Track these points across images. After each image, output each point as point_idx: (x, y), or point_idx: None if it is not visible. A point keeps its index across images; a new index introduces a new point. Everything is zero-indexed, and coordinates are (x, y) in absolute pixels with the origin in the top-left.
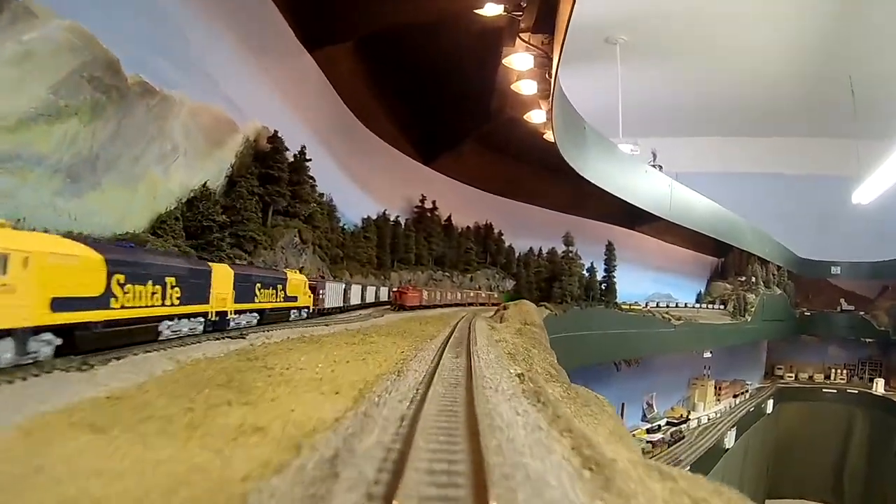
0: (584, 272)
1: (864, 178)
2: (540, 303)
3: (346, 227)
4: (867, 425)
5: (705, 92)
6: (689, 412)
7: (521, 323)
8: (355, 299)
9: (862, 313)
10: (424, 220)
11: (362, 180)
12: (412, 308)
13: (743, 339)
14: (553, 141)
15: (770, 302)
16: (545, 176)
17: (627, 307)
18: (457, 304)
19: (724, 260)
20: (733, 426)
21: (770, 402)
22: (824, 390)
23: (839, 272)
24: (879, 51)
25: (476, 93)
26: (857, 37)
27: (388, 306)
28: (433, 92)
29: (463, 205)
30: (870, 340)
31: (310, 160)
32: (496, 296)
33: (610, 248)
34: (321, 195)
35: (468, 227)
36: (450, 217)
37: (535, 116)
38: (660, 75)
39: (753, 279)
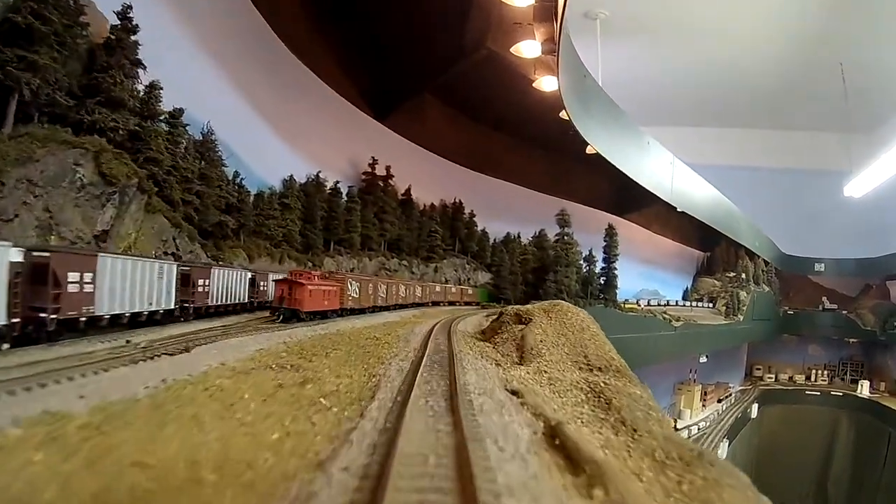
0: (583, 261)
1: (855, 171)
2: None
3: (258, 190)
4: (852, 429)
5: (690, 77)
6: (675, 420)
7: (580, 366)
8: (219, 295)
9: (845, 312)
10: (375, 190)
11: (287, 128)
12: (322, 316)
13: (736, 340)
14: (548, 89)
15: (760, 300)
16: (525, 149)
17: (627, 306)
18: (416, 305)
19: (711, 254)
20: (724, 437)
21: (755, 407)
22: (807, 392)
23: (822, 269)
24: (871, 37)
25: (447, 10)
26: (848, 22)
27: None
28: (389, 14)
29: (426, 176)
30: (854, 340)
31: (136, 29)
32: (470, 292)
33: (611, 233)
34: (177, 114)
35: (432, 205)
36: (409, 191)
37: (527, 49)
38: (642, 57)
39: (744, 275)
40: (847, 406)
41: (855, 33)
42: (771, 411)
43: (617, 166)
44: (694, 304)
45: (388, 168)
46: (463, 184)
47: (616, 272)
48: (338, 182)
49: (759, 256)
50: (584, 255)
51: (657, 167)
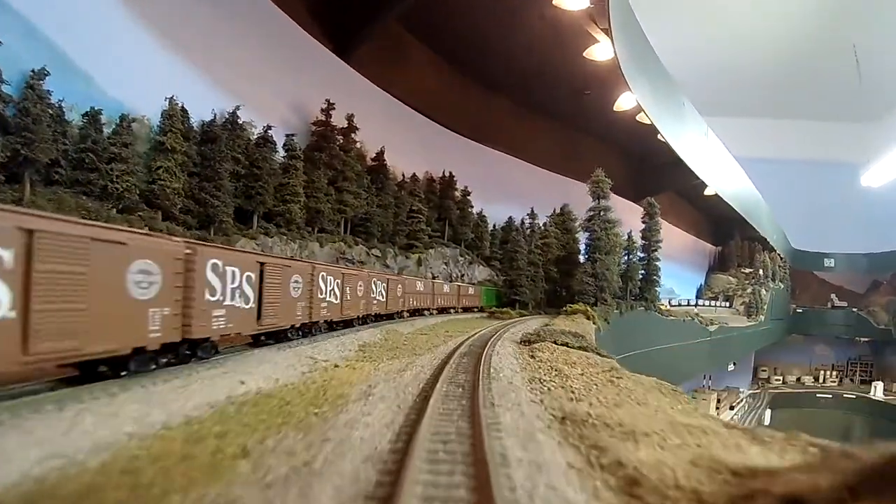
0: (624, 251)
1: (873, 160)
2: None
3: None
4: (867, 435)
5: (700, 58)
6: None
7: None
8: None
9: (855, 310)
10: (330, 147)
11: (187, 42)
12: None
13: (760, 342)
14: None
15: (777, 298)
16: (530, 117)
17: (667, 309)
18: (382, 317)
19: (724, 248)
20: None
21: (768, 413)
22: (818, 395)
23: (832, 265)
24: (883, 19)
25: None
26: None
27: None
28: None
29: (407, 139)
30: (864, 340)
31: None
32: (471, 292)
33: (651, 211)
34: None
35: (414, 178)
36: (382, 154)
37: None
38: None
39: (761, 271)
40: (862, 410)
41: (867, 14)
42: (782, 416)
43: (655, 123)
44: (710, 303)
45: (349, 118)
46: (455, 153)
47: (658, 264)
48: (269, 128)
49: (774, 251)
50: (624, 236)
51: (692, 136)
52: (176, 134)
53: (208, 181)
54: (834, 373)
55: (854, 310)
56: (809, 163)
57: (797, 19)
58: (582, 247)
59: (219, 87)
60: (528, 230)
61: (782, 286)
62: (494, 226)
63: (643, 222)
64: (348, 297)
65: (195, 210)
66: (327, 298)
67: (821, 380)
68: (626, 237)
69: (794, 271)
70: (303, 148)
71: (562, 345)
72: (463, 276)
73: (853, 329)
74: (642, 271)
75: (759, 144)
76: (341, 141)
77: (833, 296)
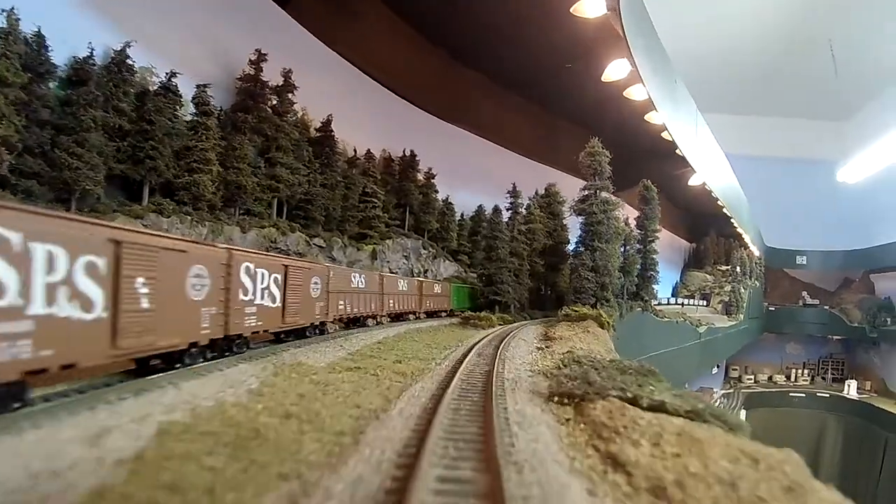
0: (621, 241)
1: (849, 155)
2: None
3: None
4: (841, 434)
5: (674, 53)
6: None
7: None
8: None
9: (827, 307)
10: (259, 107)
11: None
12: None
13: (741, 342)
14: None
15: (754, 296)
16: (503, 95)
17: (659, 309)
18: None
19: (699, 245)
20: None
21: (743, 413)
22: (792, 394)
23: (805, 262)
24: (859, 12)
25: None
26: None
27: None
28: None
29: (360, 110)
30: (835, 338)
31: None
32: (437, 289)
33: (647, 196)
34: None
35: (369, 155)
36: (329, 124)
37: None
38: None
39: (739, 269)
40: (835, 408)
41: (843, 9)
42: (755, 416)
43: (650, 95)
44: (689, 302)
45: (286, 75)
46: (418, 131)
47: (656, 258)
48: (174, 75)
49: (748, 248)
50: (622, 222)
51: (683, 118)
52: (11, 61)
53: (67, 134)
54: (806, 371)
55: (826, 308)
56: (785, 160)
57: (772, 14)
58: (571, 236)
59: (106, 18)
60: (511, 212)
61: (758, 284)
62: (463, 215)
63: (638, 209)
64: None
65: (45, 173)
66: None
67: (793, 378)
68: (625, 223)
69: (766, 269)
70: (225, 109)
71: (642, 405)
72: (427, 271)
73: (826, 327)
74: (638, 265)
75: (735, 141)
76: (275, 102)
77: (805, 293)
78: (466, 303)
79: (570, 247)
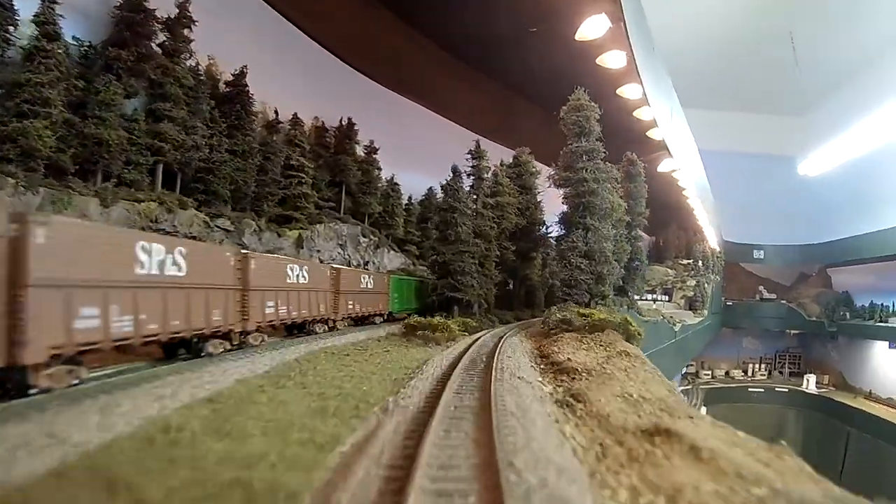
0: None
1: (811, 148)
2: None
3: None
4: (801, 429)
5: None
6: None
7: None
8: None
9: (785, 302)
10: (142, 43)
11: None
12: None
13: (706, 338)
14: None
15: (716, 291)
16: (461, 64)
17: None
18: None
19: (659, 238)
20: None
21: (703, 410)
22: (750, 389)
23: (762, 256)
24: (819, 6)
25: None
26: None
27: None
28: None
29: (286, 67)
30: (793, 332)
31: None
32: (370, 284)
33: (632, 172)
34: None
35: (295, 120)
36: (243, 78)
37: None
38: None
39: (701, 263)
40: (794, 403)
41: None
42: (715, 412)
43: (633, 53)
44: (650, 297)
45: (182, 5)
46: (358, 98)
47: (641, 245)
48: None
49: (706, 242)
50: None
51: (662, 97)
52: None
53: None
54: (762, 366)
55: (784, 302)
56: (746, 154)
57: (733, 7)
58: (548, 218)
59: None
60: (474, 179)
61: (719, 279)
62: (411, 199)
63: (621, 187)
64: None
65: None
66: None
67: (750, 373)
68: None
69: (724, 263)
70: (94, 43)
71: None
72: (367, 263)
73: (784, 321)
74: (627, 254)
75: (696, 135)
76: (165, 40)
77: (761, 288)
78: (412, 302)
79: (547, 229)
